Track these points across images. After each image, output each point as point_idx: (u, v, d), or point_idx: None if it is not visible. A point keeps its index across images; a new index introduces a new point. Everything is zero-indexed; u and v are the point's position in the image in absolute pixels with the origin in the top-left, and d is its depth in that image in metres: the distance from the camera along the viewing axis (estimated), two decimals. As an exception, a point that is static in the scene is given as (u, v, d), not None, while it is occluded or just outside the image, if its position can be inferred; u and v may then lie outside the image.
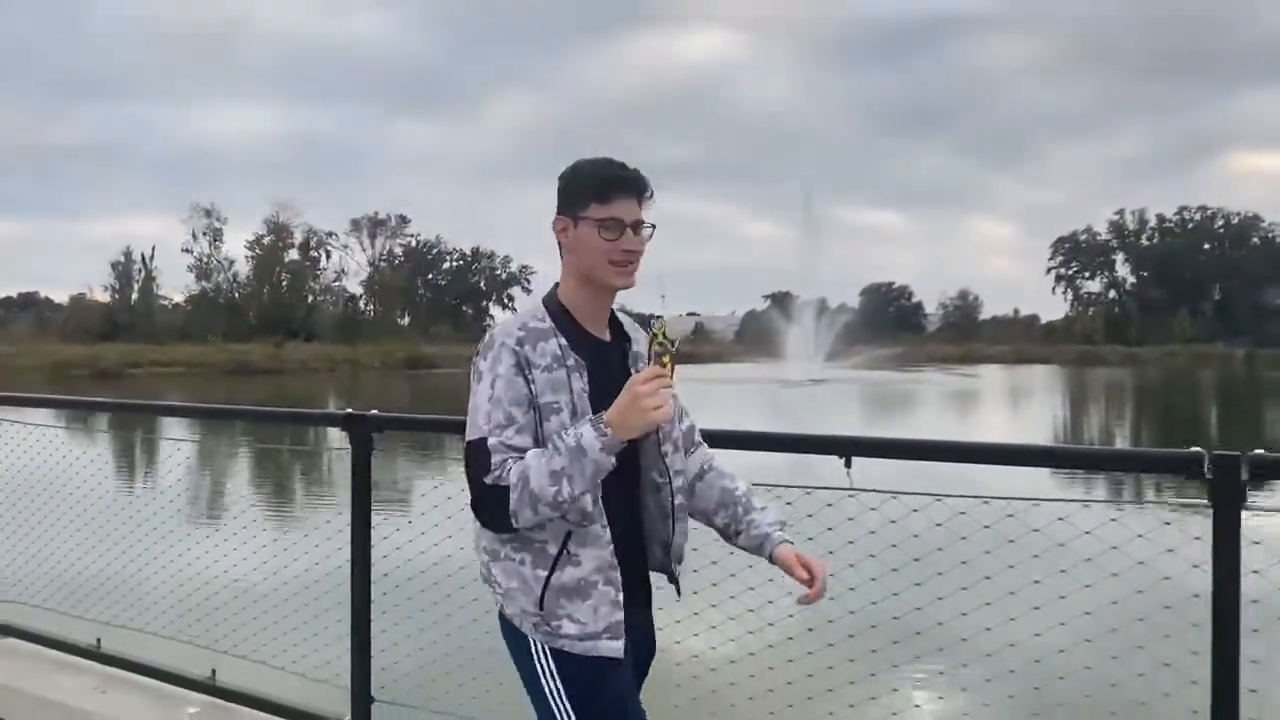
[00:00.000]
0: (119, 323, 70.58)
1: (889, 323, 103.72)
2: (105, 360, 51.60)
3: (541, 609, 2.13)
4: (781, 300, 72.60)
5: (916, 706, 4.82)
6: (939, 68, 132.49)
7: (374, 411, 3.64)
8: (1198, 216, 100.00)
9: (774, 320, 68.64)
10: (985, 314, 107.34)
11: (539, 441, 2.08)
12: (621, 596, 2.14)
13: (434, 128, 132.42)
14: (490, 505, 2.05)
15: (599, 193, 2.17)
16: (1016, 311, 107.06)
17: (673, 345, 2.08)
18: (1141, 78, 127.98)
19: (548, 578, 2.13)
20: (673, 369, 2.07)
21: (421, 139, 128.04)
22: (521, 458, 2.04)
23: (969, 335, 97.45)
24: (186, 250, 78.12)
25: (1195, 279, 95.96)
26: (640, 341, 2.28)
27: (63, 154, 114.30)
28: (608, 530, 2.14)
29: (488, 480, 2.03)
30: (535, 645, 2.16)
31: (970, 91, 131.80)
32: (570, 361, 2.12)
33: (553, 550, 2.12)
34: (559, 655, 2.14)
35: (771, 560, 2.29)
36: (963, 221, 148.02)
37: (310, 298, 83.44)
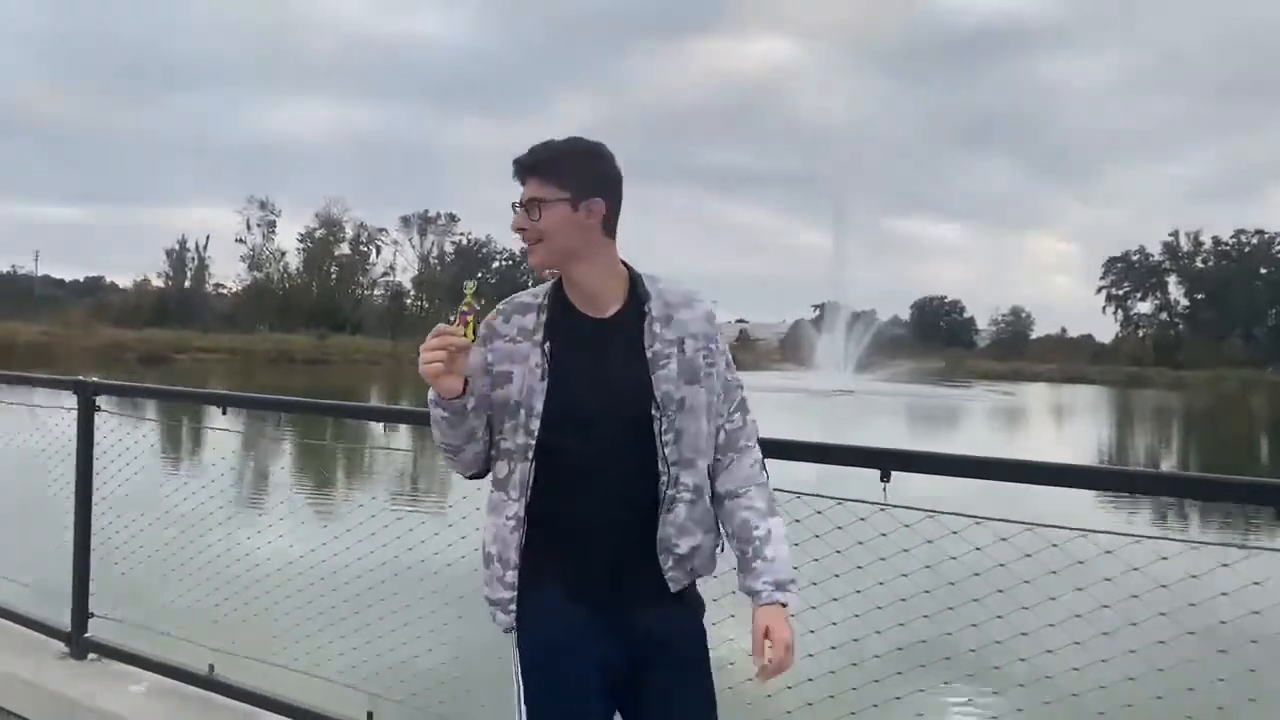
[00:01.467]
0: (171, 309, 71.84)
1: (939, 336, 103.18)
2: (152, 344, 52.51)
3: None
4: (828, 310, 72.25)
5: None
6: (1006, 81, 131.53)
7: (94, 378, 4.34)
8: (1255, 240, 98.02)
9: (810, 330, 68.23)
10: (1039, 332, 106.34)
11: (491, 407, 2.17)
12: (510, 576, 2.16)
13: (494, 127, 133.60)
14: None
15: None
16: (1064, 330, 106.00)
17: (479, 304, 2.07)
18: (1212, 99, 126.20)
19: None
20: (474, 331, 2.06)
21: (481, 138, 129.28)
22: None
23: (1017, 353, 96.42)
24: (240, 240, 79.83)
25: (1249, 303, 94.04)
26: (660, 319, 2.18)
27: (131, 140, 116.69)
28: (510, 506, 2.17)
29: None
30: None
31: (1037, 106, 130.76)
32: (538, 337, 2.14)
33: (484, 512, 2.25)
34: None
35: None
36: (1024, 238, 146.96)
37: (358, 292, 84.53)
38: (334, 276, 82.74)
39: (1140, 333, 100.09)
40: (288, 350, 56.10)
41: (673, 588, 2.20)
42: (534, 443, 2.13)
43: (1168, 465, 24.00)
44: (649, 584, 2.18)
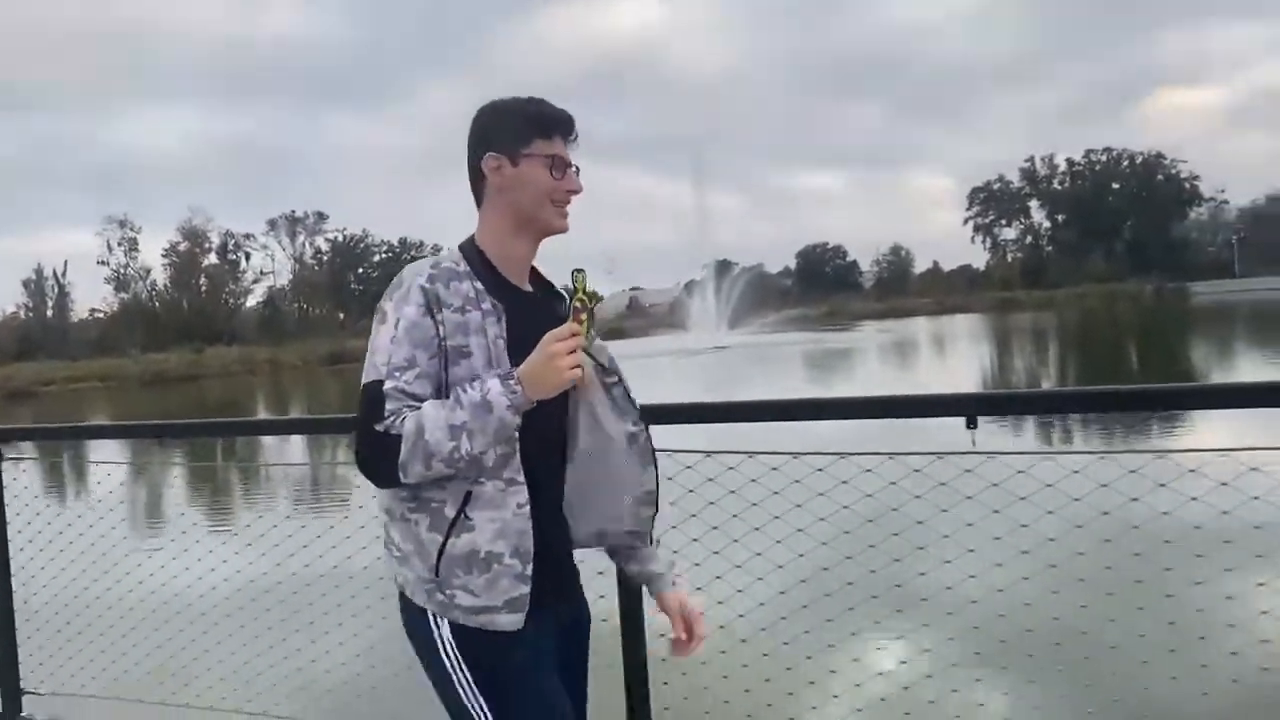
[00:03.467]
0: (34, 341, 68.37)
1: (825, 282, 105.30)
2: (16, 380, 49.74)
3: (437, 576, 1.93)
4: (721, 269, 72.92)
5: (880, 672, 4.71)
6: (866, 22, 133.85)
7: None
8: (1104, 159, 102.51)
9: (685, 293, 68.70)
10: (923, 267, 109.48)
11: (442, 389, 1.89)
12: (530, 569, 1.93)
13: (359, 122, 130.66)
14: (376, 455, 1.86)
15: (544, 128, 2.00)
16: (935, 264, 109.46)
17: (591, 300, 1.91)
18: (1065, 24, 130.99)
19: (443, 544, 1.92)
20: (591, 325, 1.91)
21: (347, 134, 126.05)
22: (418, 407, 1.85)
23: (898, 290, 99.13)
24: (103, 262, 77.11)
25: (1106, 220, 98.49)
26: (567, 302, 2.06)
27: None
28: (521, 491, 1.93)
29: (379, 428, 1.84)
30: (435, 625, 1.95)
31: (898, 46, 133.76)
32: (486, 305, 1.92)
33: (449, 513, 1.91)
34: (460, 634, 1.93)
35: (656, 599, 2.16)
36: (902, 177, 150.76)
37: (230, 301, 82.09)
38: (204, 289, 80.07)
39: (1009, 258, 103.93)
40: (162, 370, 53.83)
41: (650, 542, 2.13)
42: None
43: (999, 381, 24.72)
44: (573, 567, 2.11)
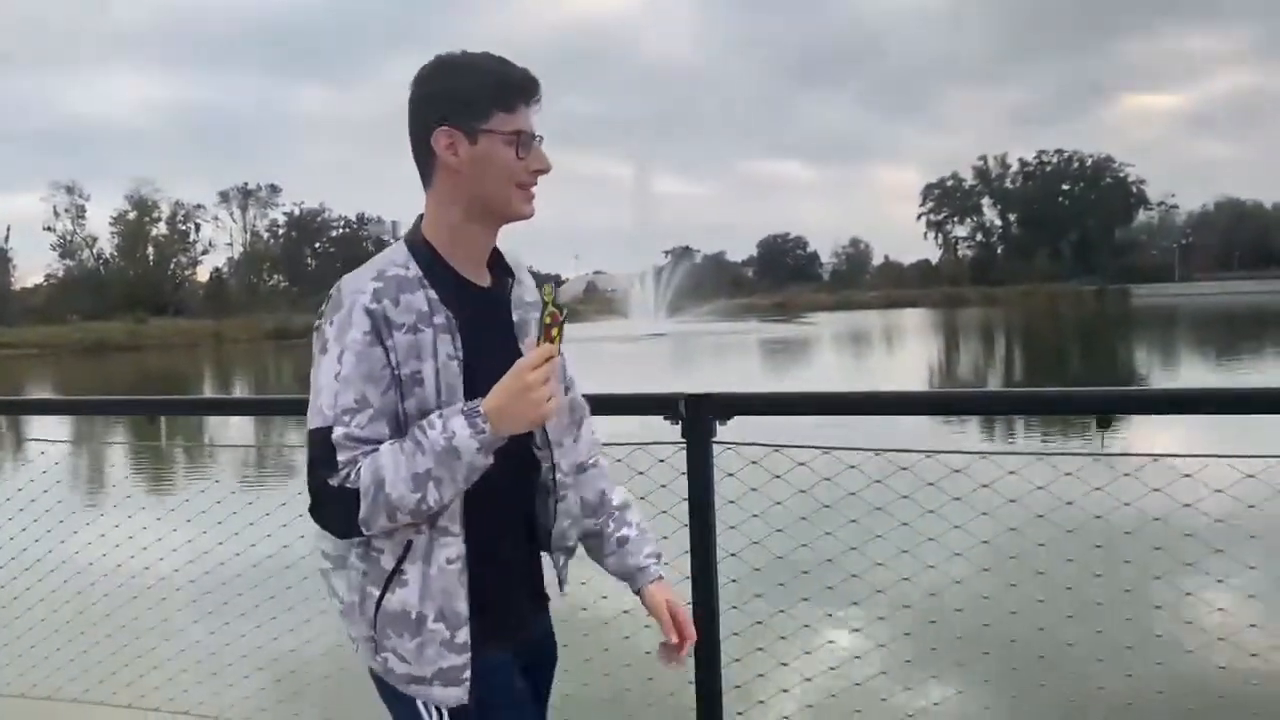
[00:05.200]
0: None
1: (785, 272, 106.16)
2: (-52, 346, 48.36)
3: (374, 631, 1.69)
4: (681, 255, 72.79)
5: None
6: (842, 14, 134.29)
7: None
8: (1055, 160, 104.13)
9: (635, 280, 68.79)
10: (883, 259, 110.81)
11: (398, 423, 1.63)
12: (462, 634, 1.67)
13: (320, 96, 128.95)
14: (332, 510, 1.61)
15: (504, 99, 1.67)
16: (886, 257, 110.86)
17: (563, 312, 1.66)
18: (1034, 24, 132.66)
19: (379, 599, 1.67)
20: (560, 340, 1.66)
21: (307, 107, 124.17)
22: (375, 450, 1.59)
23: (853, 283, 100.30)
24: (48, 229, 75.81)
25: (1055, 220, 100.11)
26: (529, 287, 1.82)
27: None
28: (452, 544, 1.66)
29: (333, 482, 1.58)
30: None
31: (872, 38, 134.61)
32: (439, 319, 1.64)
33: (387, 565, 1.67)
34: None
35: (639, 596, 1.90)
36: (869, 170, 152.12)
37: (178, 272, 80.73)
38: (151, 258, 78.50)
39: (960, 255, 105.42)
40: (101, 339, 52.60)
41: (561, 591, 1.90)
42: None
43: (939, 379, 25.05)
44: (537, 591, 1.88)
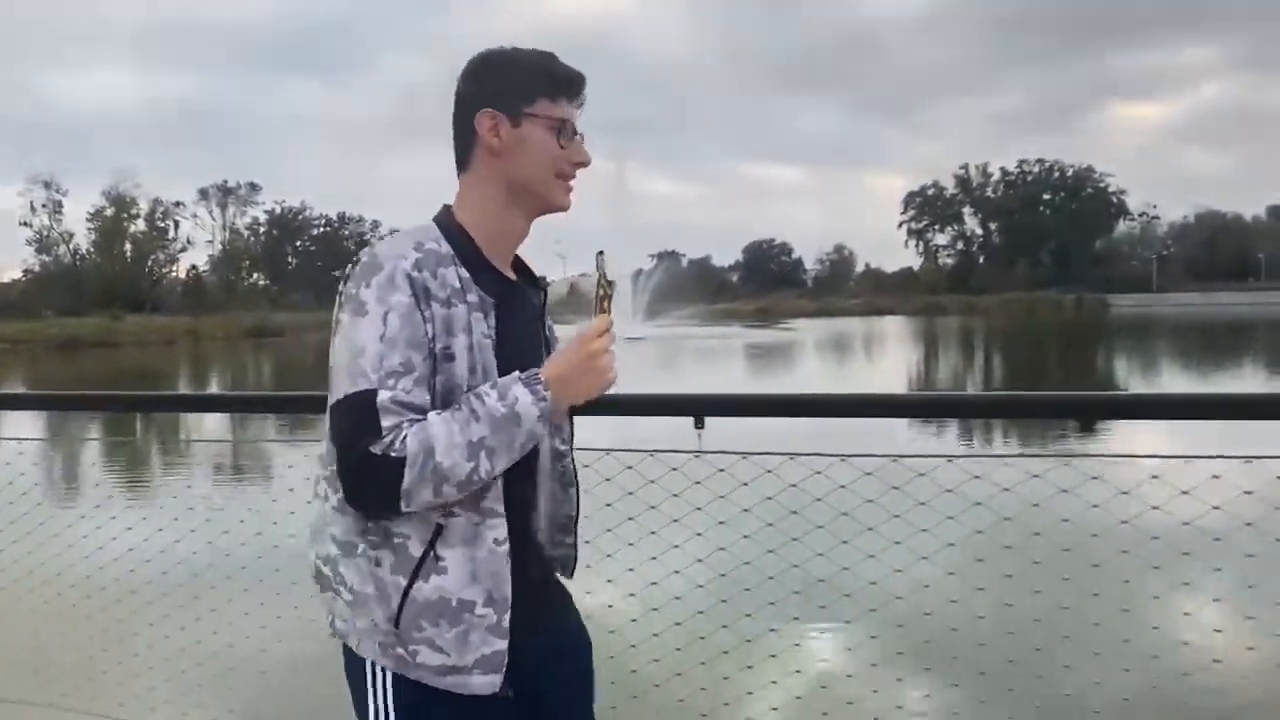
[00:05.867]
0: (-53, 302, 66.01)
1: (770, 278, 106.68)
2: (-81, 341, 47.82)
3: (397, 627, 1.60)
4: (666, 259, 72.95)
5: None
6: (833, 18, 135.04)
7: None
8: (1036, 169, 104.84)
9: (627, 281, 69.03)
10: (870, 266, 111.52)
11: (435, 399, 1.57)
12: (507, 619, 1.62)
13: (304, 93, 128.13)
14: (373, 482, 1.52)
15: (553, 86, 1.68)
16: (868, 265, 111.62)
17: (612, 286, 1.65)
18: (1024, 32, 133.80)
19: (407, 588, 1.59)
20: (610, 312, 1.66)
21: (291, 105, 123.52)
22: (421, 419, 1.52)
23: (835, 289, 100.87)
24: (25, 224, 74.99)
25: (1035, 229, 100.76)
26: (553, 296, 1.83)
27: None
28: (499, 525, 1.61)
29: (375, 449, 1.49)
30: (373, 673, 1.63)
31: (864, 45, 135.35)
32: (472, 297, 1.60)
33: (415, 551, 1.58)
34: (402, 685, 1.61)
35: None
36: (860, 176, 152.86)
37: (155, 269, 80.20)
38: (129, 255, 78.01)
39: (940, 263, 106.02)
40: (75, 336, 52.15)
41: (572, 574, 1.88)
42: None
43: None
44: (558, 583, 1.85)
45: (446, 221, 1.68)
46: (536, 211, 1.72)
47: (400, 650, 1.60)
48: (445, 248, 1.62)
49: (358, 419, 1.52)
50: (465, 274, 1.61)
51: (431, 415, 1.53)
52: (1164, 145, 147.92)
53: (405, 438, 1.50)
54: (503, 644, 1.61)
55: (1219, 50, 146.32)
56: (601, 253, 1.65)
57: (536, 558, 1.75)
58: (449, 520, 1.58)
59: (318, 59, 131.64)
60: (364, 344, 1.54)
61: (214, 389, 29.64)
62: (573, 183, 1.72)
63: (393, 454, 1.50)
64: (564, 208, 1.73)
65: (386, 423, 1.51)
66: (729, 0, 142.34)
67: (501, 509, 1.61)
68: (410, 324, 1.54)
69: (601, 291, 1.65)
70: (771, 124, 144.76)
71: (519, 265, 1.77)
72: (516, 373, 1.59)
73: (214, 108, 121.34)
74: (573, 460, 1.84)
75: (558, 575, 1.86)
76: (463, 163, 1.70)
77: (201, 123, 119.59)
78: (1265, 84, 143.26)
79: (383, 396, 1.52)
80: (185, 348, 51.03)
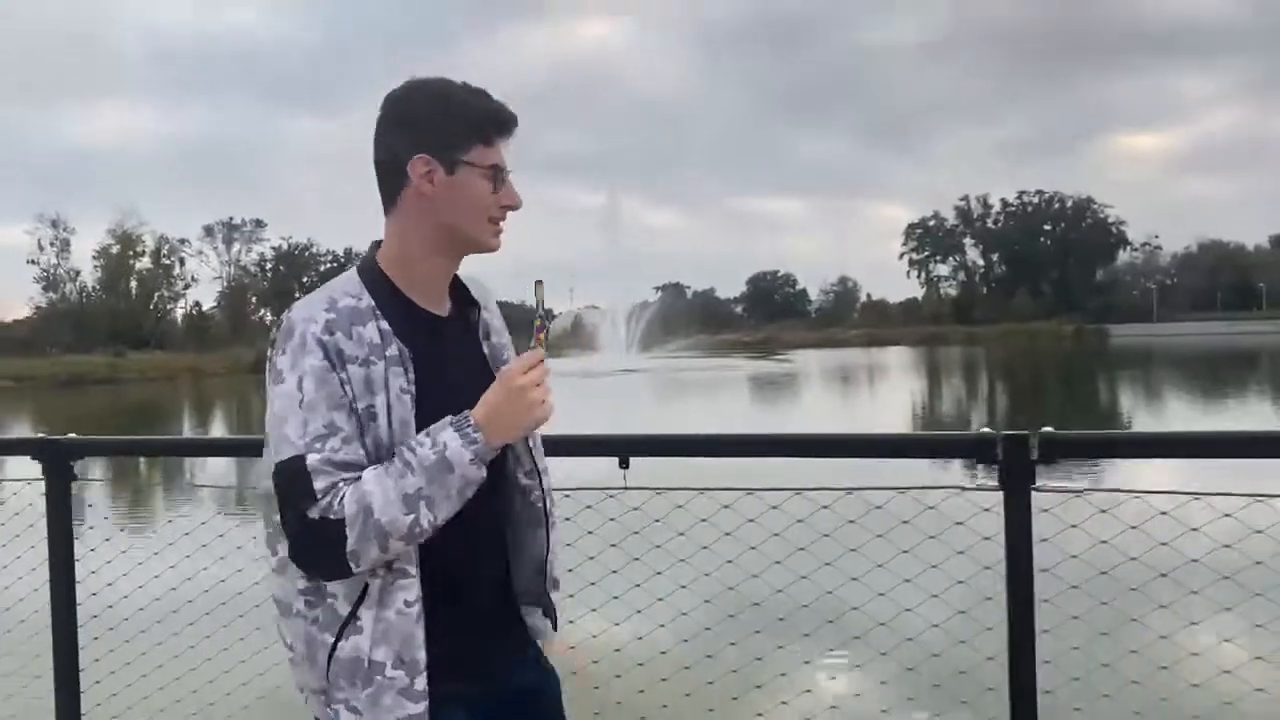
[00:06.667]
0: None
1: (773, 309, 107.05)
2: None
3: (328, 681, 1.60)
4: (671, 291, 73.19)
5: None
6: (833, 51, 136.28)
7: (71, 435, 3.06)
8: (1036, 200, 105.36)
9: (599, 315, 68.85)
10: (874, 297, 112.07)
11: (367, 453, 1.55)
12: (420, 682, 1.58)
13: (309, 130, 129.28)
14: (318, 546, 1.51)
15: (483, 132, 1.65)
16: (869, 296, 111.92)
17: (550, 316, 1.66)
18: (1027, 62, 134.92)
19: (332, 646, 1.59)
20: (545, 344, 1.62)
21: (296, 142, 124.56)
22: (357, 478, 1.52)
23: (839, 320, 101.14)
24: (32, 262, 76.04)
25: (1036, 260, 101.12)
26: (497, 314, 1.80)
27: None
28: (410, 586, 1.58)
29: (313, 514, 1.49)
30: None
31: (867, 76, 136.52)
32: (391, 352, 1.58)
33: (342, 610, 1.58)
34: None
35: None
36: (864, 207, 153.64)
37: (160, 306, 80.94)
38: (134, 292, 78.75)
39: (941, 294, 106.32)
40: (78, 373, 52.31)
41: (554, 627, 1.84)
42: None
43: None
44: (516, 636, 1.81)
45: (369, 268, 1.67)
46: (464, 254, 1.71)
47: (331, 708, 1.61)
48: (365, 300, 1.61)
49: (292, 486, 1.52)
50: (385, 326, 1.59)
51: (366, 472, 1.52)
52: (1167, 174, 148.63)
53: (343, 498, 1.50)
54: (418, 708, 1.58)
55: (1221, 79, 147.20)
56: (540, 282, 1.65)
57: (470, 616, 1.69)
58: (371, 580, 1.56)
59: (317, 95, 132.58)
60: (285, 413, 1.54)
61: (193, 426, 29.52)
62: (503, 224, 1.70)
63: (331, 516, 1.49)
64: (493, 249, 1.70)
65: (320, 484, 1.50)
66: (732, 32, 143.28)
67: (414, 570, 1.58)
68: (326, 385, 1.54)
69: (538, 323, 1.63)
70: (776, 156, 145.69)
71: (456, 290, 1.74)
72: (449, 416, 1.56)
73: (220, 141, 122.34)
74: (543, 496, 1.79)
75: (531, 620, 1.83)
76: (390, 200, 1.67)
77: (204, 157, 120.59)
78: (1268, 112, 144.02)
79: (312, 460, 1.51)
80: (185, 385, 51.02)
